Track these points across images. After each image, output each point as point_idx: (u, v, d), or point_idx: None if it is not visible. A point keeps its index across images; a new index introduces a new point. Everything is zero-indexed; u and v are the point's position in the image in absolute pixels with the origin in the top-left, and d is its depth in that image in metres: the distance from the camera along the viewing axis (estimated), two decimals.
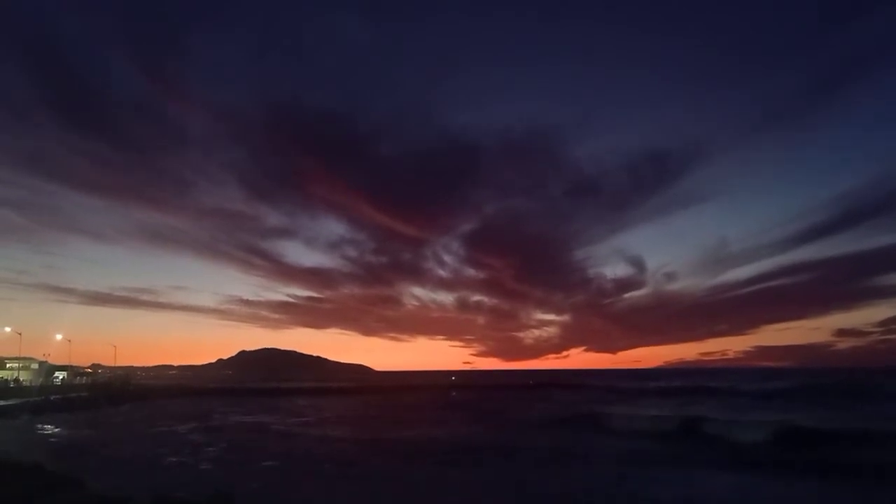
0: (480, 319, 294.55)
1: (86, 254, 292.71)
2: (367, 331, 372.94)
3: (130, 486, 16.15)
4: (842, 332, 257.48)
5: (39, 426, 36.58)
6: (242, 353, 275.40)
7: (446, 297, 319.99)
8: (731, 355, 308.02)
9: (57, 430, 35.24)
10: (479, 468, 22.56)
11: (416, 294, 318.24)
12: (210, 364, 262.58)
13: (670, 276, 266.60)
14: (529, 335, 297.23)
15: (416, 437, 32.14)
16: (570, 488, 18.34)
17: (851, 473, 20.86)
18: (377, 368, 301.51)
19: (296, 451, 26.25)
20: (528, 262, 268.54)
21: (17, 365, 68.06)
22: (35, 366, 70.93)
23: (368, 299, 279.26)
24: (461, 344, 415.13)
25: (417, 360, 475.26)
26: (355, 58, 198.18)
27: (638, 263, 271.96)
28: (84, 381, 76.55)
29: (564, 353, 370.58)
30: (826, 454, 24.42)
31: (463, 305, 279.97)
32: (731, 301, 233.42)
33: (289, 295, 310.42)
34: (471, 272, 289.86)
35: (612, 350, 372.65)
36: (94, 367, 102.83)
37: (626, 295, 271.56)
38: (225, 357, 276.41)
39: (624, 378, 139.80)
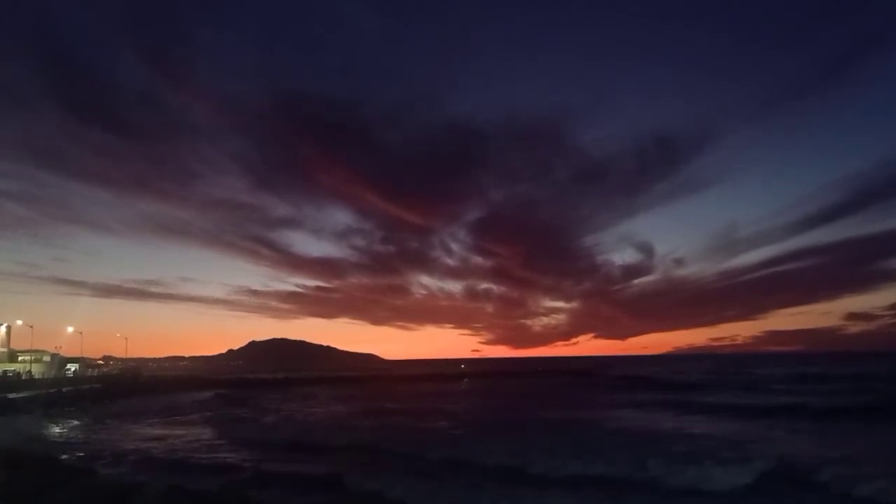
0: (489, 307, 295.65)
1: (94, 246, 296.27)
2: (376, 320, 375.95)
3: (143, 477, 15.96)
4: (852, 316, 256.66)
5: (52, 418, 36.64)
6: (252, 344, 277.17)
7: (454, 286, 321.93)
8: (740, 340, 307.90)
9: (69, 421, 35.31)
10: None
11: (424, 283, 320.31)
12: (221, 354, 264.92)
13: (679, 262, 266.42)
14: (538, 322, 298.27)
15: None
16: None
17: None
18: (386, 357, 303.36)
19: (306, 440, 26.02)
20: (535, 249, 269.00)
21: (29, 358, 68.45)
22: (47, 358, 71.41)
23: (377, 289, 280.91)
24: (470, 332, 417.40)
25: (426, 348, 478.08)
26: (361, 46, 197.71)
27: (646, 249, 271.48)
28: (96, 373, 77.06)
29: (573, 340, 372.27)
30: None
31: (471, 293, 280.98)
32: (741, 286, 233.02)
33: (297, 285, 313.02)
34: (478, 260, 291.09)
35: (621, 336, 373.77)
36: (106, 358, 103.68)
37: (635, 281, 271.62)
38: (235, 347, 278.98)
39: (623, 365, 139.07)
